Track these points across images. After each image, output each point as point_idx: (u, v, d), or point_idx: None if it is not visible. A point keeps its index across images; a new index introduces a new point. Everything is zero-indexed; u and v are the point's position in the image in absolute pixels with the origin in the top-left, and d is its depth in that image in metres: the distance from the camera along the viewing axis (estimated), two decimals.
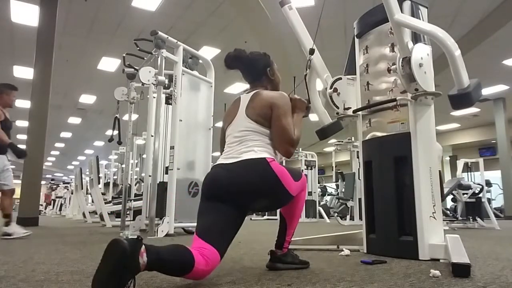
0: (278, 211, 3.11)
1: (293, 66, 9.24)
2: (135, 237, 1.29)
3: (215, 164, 1.78)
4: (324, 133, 2.90)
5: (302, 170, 9.97)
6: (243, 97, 1.86)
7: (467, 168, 8.57)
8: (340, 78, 2.78)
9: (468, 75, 2.12)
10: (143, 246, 1.28)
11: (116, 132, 5.16)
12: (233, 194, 1.63)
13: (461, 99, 2.10)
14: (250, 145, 1.71)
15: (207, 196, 1.68)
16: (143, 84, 4.60)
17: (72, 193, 11.04)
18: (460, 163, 7.82)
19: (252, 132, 1.74)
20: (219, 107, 6.87)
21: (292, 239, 1.93)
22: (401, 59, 2.18)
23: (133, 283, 1.24)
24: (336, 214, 8.28)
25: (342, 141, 9.28)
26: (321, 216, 9.85)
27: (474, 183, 7.12)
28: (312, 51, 2.26)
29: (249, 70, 1.92)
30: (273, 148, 1.75)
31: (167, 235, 3.88)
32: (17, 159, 3.89)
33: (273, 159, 1.69)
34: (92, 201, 7.78)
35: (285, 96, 1.81)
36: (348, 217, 8.39)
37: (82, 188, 8.39)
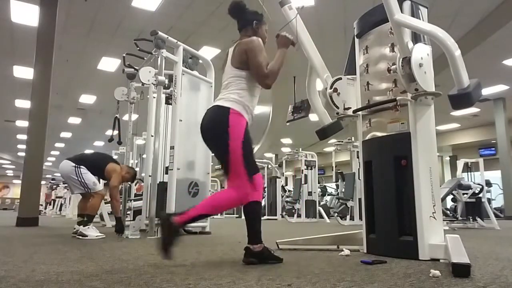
0: (277, 211, 3.07)
1: (293, 66, 9.25)
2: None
3: None
4: (324, 133, 2.90)
5: (302, 171, 9.98)
6: (231, 49, 2.19)
7: (467, 168, 8.56)
8: (340, 78, 2.78)
9: (468, 75, 2.12)
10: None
11: (116, 132, 5.16)
12: (204, 133, 2.07)
13: (461, 99, 2.10)
14: (227, 93, 2.05)
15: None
16: (143, 84, 4.60)
17: (72, 193, 11.02)
18: (460, 163, 7.82)
19: (234, 78, 2.08)
20: None
21: (286, 239, 1.93)
22: (401, 59, 2.19)
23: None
24: (336, 214, 8.28)
25: (342, 141, 9.28)
26: (321, 216, 9.85)
27: (474, 183, 7.12)
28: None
29: (239, 17, 2.24)
30: (249, 94, 2.05)
31: None
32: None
33: (237, 112, 1.98)
34: None
35: (254, 40, 2.08)
36: (348, 217, 8.39)
37: None
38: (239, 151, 1.95)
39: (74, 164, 3.98)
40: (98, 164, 4.14)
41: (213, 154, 2.13)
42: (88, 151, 4.66)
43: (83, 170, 3.98)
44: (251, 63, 2.04)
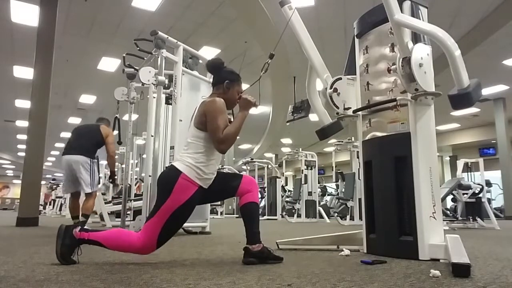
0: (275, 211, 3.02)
1: (293, 66, 9.25)
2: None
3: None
4: (324, 133, 2.90)
5: (302, 171, 9.98)
6: (198, 105, 2.19)
7: (467, 168, 8.56)
8: (340, 78, 2.78)
9: (468, 75, 2.12)
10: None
11: (116, 132, 5.17)
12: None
13: (461, 99, 2.10)
14: (185, 154, 2.06)
15: None
16: (143, 84, 4.59)
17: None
18: (460, 163, 7.81)
19: (193, 139, 2.08)
20: None
21: (286, 239, 1.93)
22: (401, 59, 2.19)
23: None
24: (336, 214, 8.28)
25: (342, 141, 9.29)
26: (321, 216, 9.84)
27: (474, 183, 7.12)
28: (272, 56, 2.32)
29: (214, 74, 2.28)
30: (206, 158, 2.04)
31: None
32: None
33: (187, 179, 1.99)
34: None
35: (215, 101, 2.07)
36: (348, 217, 8.39)
37: None
38: (167, 214, 1.96)
39: (89, 158, 4.04)
40: (96, 141, 4.23)
41: None
42: (69, 135, 4.65)
43: (95, 166, 4.06)
44: (209, 126, 2.03)
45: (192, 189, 2.00)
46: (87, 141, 4.27)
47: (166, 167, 2.18)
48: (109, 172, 5.02)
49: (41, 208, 17.02)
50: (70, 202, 4.32)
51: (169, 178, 2.02)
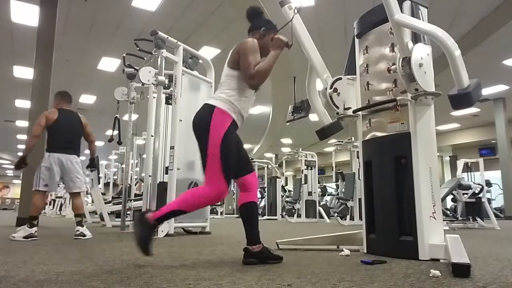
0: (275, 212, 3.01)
1: (293, 66, 9.25)
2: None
3: None
4: (324, 133, 2.90)
5: (302, 171, 9.98)
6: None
7: (467, 168, 8.57)
8: (340, 78, 2.78)
9: (468, 75, 2.12)
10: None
11: (116, 132, 5.17)
12: (193, 131, 2.13)
13: (461, 99, 2.10)
14: (218, 92, 2.13)
15: None
16: (143, 84, 4.60)
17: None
18: (460, 163, 7.82)
19: (226, 78, 2.14)
20: None
21: (286, 239, 1.92)
22: (401, 59, 2.18)
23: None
24: (336, 214, 8.28)
25: (342, 141, 9.29)
26: (321, 216, 9.85)
27: (474, 183, 7.12)
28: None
29: (252, 20, 2.33)
30: (239, 94, 2.08)
31: (167, 235, 3.88)
32: None
33: (222, 110, 2.02)
34: (92, 201, 7.77)
35: (248, 41, 2.12)
36: (348, 217, 8.39)
37: None
38: (216, 149, 1.97)
39: (77, 157, 3.98)
40: (80, 135, 4.02)
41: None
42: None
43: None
44: (241, 63, 2.08)
45: (228, 120, 2.02)
46: (77, 138, 4.01)
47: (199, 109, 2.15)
48: (108, 172, 5.01)
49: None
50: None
51: (204, 115, 2.05)
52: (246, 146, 20.23)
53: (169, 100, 4.54)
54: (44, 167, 3.86)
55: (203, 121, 2.04)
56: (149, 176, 4.34)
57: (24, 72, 10.20)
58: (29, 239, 3.57)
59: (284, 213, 10.38)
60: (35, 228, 3.68)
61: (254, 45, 2.11)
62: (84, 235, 3.71)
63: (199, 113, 2.12)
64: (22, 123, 15.25)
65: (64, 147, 3.93)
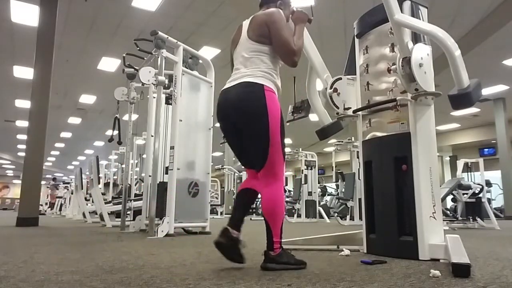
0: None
1: None
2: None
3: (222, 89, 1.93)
4: (324, 133, 2.90)
5: (302, 171, 9.98)
6: (245, 22, 2.01)
7: (467, 168, 8.56)
8: (340, 78, 2.78)
9: (468, 75, 2.12)
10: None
11: (116, 132, 5.17)
12: (231, 115, 1.81)
13: (461, 99, 2.10)
14: (251, 69, 1.84)
15: (221, 126, 1.90)
16: (143, 84, 4.60)
17: (72, 193, 11.04)
18: (460, 163, 7.82)
19: (256, 53, 1.87)
20: None
21: (285, 239, 1.92)
22: (401, 59, 2.18)
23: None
24: (336, 214, 8.28)
25: (342, 141, 9.29)
26: (321, 216, 9.85)
27: (474, 183, 7.12)
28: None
29: None
30: (274, 71, 1.86)
31: (167, 235, 3.88)
32: None
33: (271, 90, 1.80)
34: (92, 201, 7.77)
35: (276, 11, 1.90)
36: (348, 217, 8.39)
37: (82, 188, 8.39)
38: (278, 136, 1.74)
39: None
40: None
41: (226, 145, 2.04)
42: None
43: None
44: (275, 38, 1.83)
45: (277, 100, 1.81)
46: None
47: (229, 91, 1.85)
48: (108, 172, 4.96)
49: (45, 208, 16.98)
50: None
51: (254, 94, 1.75)
52: None
53: (169, 100, 4.54)
54: None
55: (256, 102, 1.73)
56: (149, 176, 4.34)
57: (24, 72, 10.20)
58: None
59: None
60: None
61: (284, 17, 1.90)
62: None
63: (242, 94, 1.77)
64: (22, 123, 15.25)
65: None
